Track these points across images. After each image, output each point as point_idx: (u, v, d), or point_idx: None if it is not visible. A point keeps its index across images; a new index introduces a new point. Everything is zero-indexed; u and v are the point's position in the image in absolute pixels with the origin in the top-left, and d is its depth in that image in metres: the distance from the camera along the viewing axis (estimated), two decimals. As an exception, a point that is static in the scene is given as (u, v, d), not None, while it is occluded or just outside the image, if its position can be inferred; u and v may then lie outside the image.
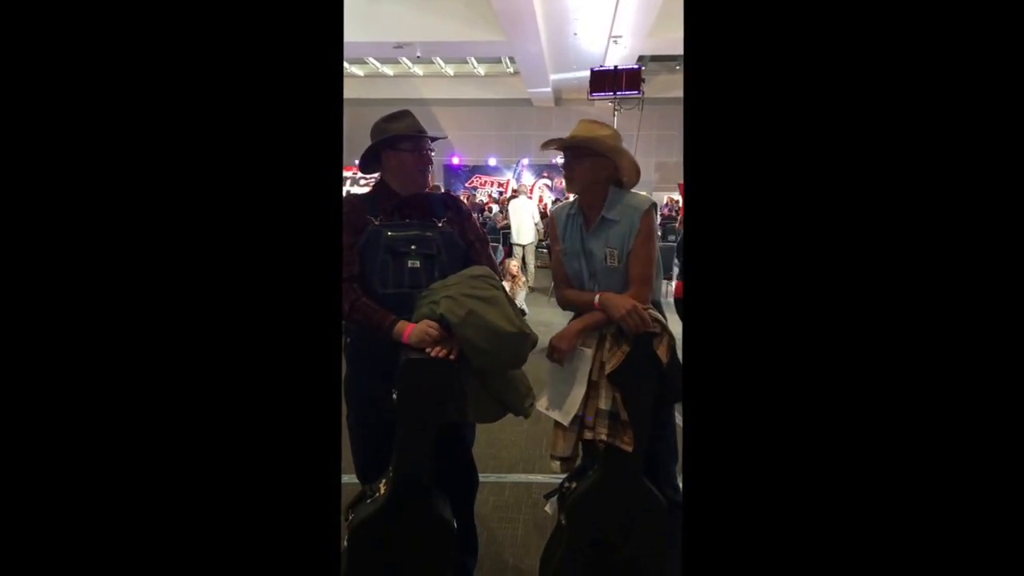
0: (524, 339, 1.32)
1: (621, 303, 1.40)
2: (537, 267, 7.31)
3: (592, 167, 1.48)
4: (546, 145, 1.57)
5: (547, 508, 1.60)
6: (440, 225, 1.49)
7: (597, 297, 1.44)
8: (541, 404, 1.52)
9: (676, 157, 12.64)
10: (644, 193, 1.61)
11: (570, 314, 1.60)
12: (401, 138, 1.48)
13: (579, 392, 1.44)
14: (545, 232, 8.00)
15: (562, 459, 1.48)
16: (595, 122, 1.55)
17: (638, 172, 1.54)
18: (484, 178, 13.67)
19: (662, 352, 1.37)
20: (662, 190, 11.98)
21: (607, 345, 1.42)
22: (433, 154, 1.56)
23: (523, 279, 5.96)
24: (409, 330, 1.33)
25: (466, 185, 13.34)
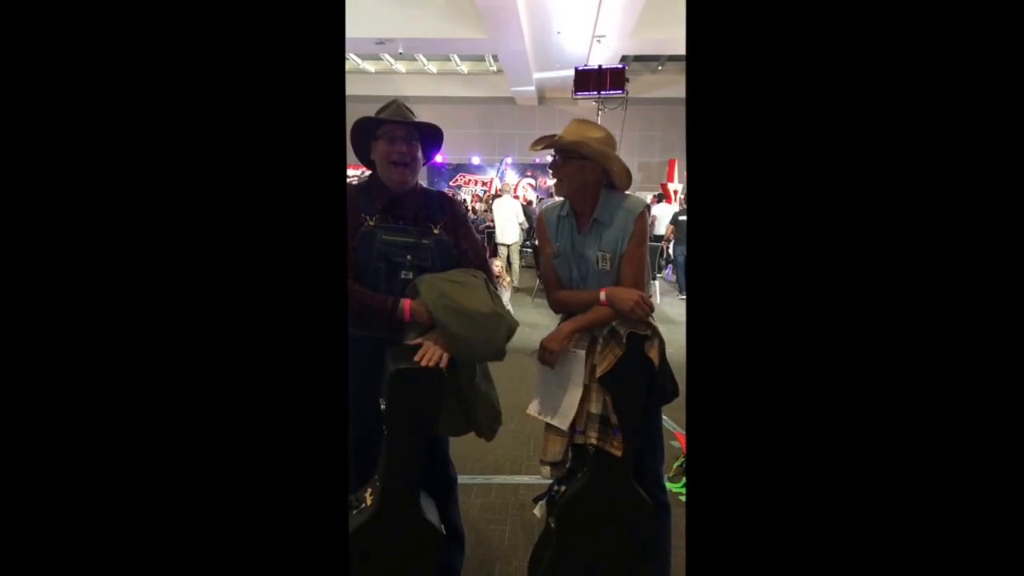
0: (499, 320, 1.28)
1: (628, 295, 1.39)
2: (521, 267, 7.32)
3: (580, 170, 1.44)
4: (535, 145, 1.53)
5: (536, 511, 1.59)
6: (436, 232, 1.42)
7: (603, 293, 1.42)
8: (532, 409, 1.50)
9: (658, 157, 12.77)
10: (636, 195, 1.60)
11: (555, 316, 1.58)
12: (377, 125, 1.40)
13: (575, 395, 1.43)
14: (531, 232, 8.03)
15: (552, 464, 1.47)
16: (586, 123, 1.52)
17: (629, 175, 1.51)
18: (467, 176, 13.64)
19: (654, 354, 1.36)
20: (644, 190, 12.11)
21: (598, 348, 1.41)
22: (415, 142, 1.40)
23: (508, 279, 5.96)
24: (409, 305, 1.31)
25: (450, 183, 13.30)
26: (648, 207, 1.51)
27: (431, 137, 1.47)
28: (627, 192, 1.52)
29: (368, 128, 1.42)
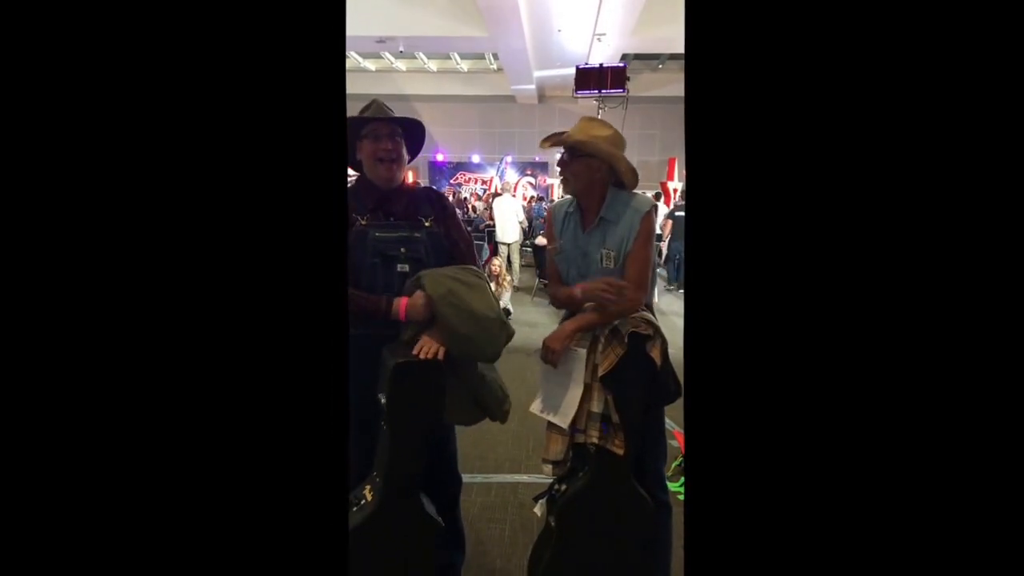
0: (502, 325, 1.31)
1: (595, 285, 1.38)
2: (522, 266, 7.31)
3: (587, 168, 1.45)
4: (544, 142, 1.54)
5: (536, 510, 1.59)
6: (427, 225, 1.45)
7: (578, 288, 1.42)
8: (535, 407, 1.50)
9: (658, 156, 12.75)
10: (643, 193, 1.59)
11: (559, 314, 1.58)
12: (362, 124, 1.42)
13: (576, 394, 1.42)
14: (529, 230, 8.02)
15: (554, 463, 1.47)
16: (595, 121, 1.52)
17: (635, 174, 1.51)
18: (468, 175, 13.63)
19: (655, 354, 1.36)
20: (643, 189, 12.07)
21: (600, 347, 1.41)
22: (398, 138, 1.43)
23: (508, 278, 5.95)
24: (404, 303, 1.32)
25: (451, 182, 13.29)
26: (655, 207, 1.50)
27: (414, 133, 1.50)
28: (635, 191, 1.52)
29: (353, 129, 1.44)
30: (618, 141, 1.49)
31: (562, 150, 1.49)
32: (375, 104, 1.47)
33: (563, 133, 1.50)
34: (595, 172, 1.45)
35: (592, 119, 1.54)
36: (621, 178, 1.49)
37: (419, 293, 1.31)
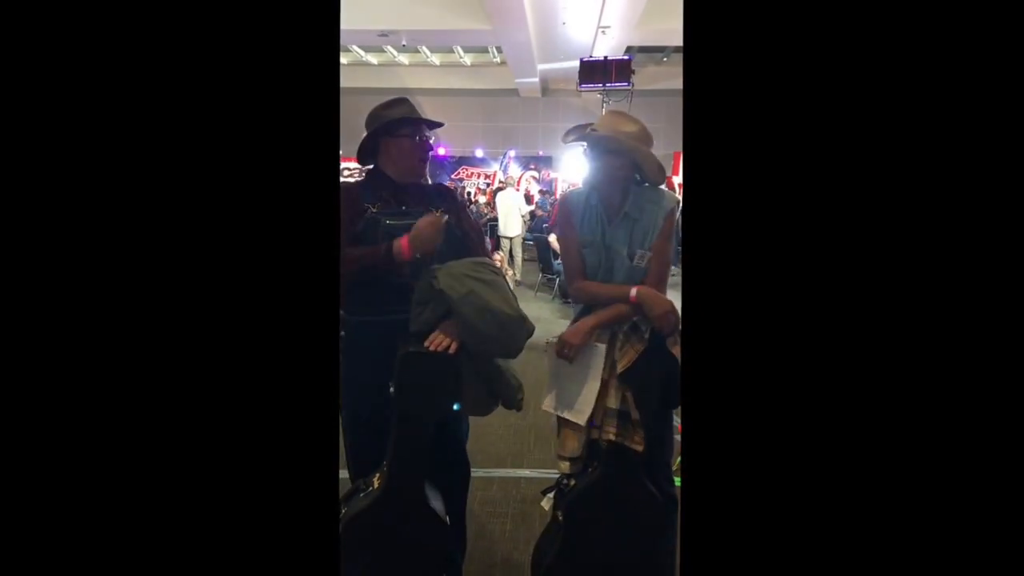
0: (522, 324, 1.31)
1: (661, 304, 1.36)
2: (524, 260, 7.29)
3: (609, 163, 1.42)
4: (567, 136, 1.51)
5: (544, 504, 1.58)
6: (437, 214, 1.46)
7: (635, 291, 1.39)
8: (547, 404, 1.48)
9: (663, 150, 12.68)
10: (668, 190, 1.57)
11: (562, 309, 1.57)
12: (400, 124, 1.45)
13: (593, 390, 1.40)
14: (531, 225, 7.98)
15: (571, 459, 1.45)
16: (620, 115, 1.49)
17: (662, 171, 1.48)
18: (470, 169, 13.59)
19: (677, 351, 1.34)
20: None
21: (619, 343, 1.39)
22: (432, 141, 1.52)
23: (510, 272, 5.95)
24: (406, 239, 1.33)
25: (452, 176, 13.25)
26: (679, 203, 1.47)
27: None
28: (661, 187, 1.49)
29: (388, 127, 1.45)
30: (643, 136, 1.46)
31: (585, 144, 1.46)
32: (408, 103, 1.49)
33: (587, 126, 1.48)
34: (617, 168, 1.42)
35: (618, 113, 1.51)
36: (646, 175, 1.46)
37: (422, 219, 1.33)
